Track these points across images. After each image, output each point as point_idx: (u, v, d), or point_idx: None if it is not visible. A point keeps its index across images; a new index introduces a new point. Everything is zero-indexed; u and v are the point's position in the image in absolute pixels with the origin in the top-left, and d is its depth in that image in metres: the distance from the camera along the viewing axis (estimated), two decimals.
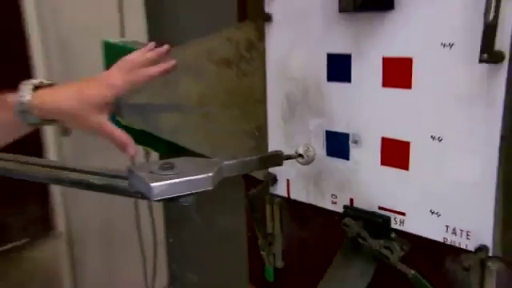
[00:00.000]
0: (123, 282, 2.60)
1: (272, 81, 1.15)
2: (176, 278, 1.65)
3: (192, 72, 1.28)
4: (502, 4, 0.74)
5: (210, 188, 0.86)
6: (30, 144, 1.96)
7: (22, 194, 2.34)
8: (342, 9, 0.92)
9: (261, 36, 1.13)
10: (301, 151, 1.00)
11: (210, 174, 0.83)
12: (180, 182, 0.82)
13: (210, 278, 1.53)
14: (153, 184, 0.79)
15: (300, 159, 1.00)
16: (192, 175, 0.83)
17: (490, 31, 0.75)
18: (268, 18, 1.10)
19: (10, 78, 1.90)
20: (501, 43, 0.76)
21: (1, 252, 2.28)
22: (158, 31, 1.57)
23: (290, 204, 1.18)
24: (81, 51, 1.83)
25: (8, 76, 2.17)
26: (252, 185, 1.21)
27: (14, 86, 1.70)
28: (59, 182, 1.17)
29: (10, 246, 2.30)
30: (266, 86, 1.17)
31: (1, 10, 2.06)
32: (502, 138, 0.80)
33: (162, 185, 0.81)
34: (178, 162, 0.90)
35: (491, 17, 0.73)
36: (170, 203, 1.12)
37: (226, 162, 0.91)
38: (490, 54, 0.75)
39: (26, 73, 2.25)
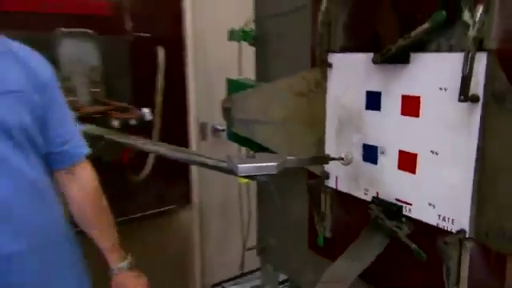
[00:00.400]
0: (231, 241, 2.71)
1: (330, 108, 1.20)
2: (261, 240, 1.69)
3: (279, 99, 1.30)
4: (476, 62, 0.79)
5: (274, 172, 1.01)
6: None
7: (175, 175, 2.51)
8: (375, 62, 0.99)
9: (324, 77, 1.18)
10: (342, 156, 1.10)
11: (275, 163, 1.00)
12: (255, 165, 1.00)
13: (284, 241, 1.56)
14: (239, 165, 0.98)
15: (341, 161, 1.10)
16: (264, 162, 1.00)
17: (465, 81, 0.80)
18: (329, 65, 1.16)
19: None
20: (476, 89, 0.81)
21: (158, 212, 2.47)
22: (263, 71, 1.59)
23: (337, 193, 1.21)
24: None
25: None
26: (312, 178, 1.27)
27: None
28: (191, 162, 1.37)
29: (163, 209, 2.50)
30: (325, 111, 1.21)
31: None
32: (477, 156, 0.84)
33: (244, 166, 0.99)
34: (259, 155, 1.07)
35: (467, 71, 0.79)
36: (251, 179, 1.27)
37: (289, 158, 1.05)
38: (465, 96, 0.80)
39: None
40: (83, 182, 1.42)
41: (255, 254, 1.75)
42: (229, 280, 2.75)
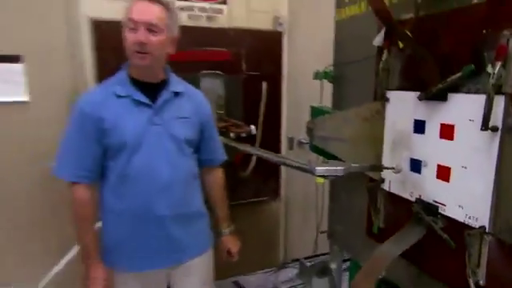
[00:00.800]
0: (308, 227, 2.65)
1: (387, 131, 1.20)
2: (331, 226, 1.66)
3: (349, 122, 1.32)
4: (496, 102, 0.81)
5: (342, 174, 1.07)
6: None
7: (268, 175, 2.55)
8: (420, 99, 1.02)
9: (383, 108, 1.19)
10: (394, 166, 1.13)
11: (342, 168, 1.07)
12: (328, 168, 1.08)
13: (348, 228, 1.52)
14: (317, 167, 1.07)
15: (393, 170, 1.13)
16: (334, 166, 1.09)
17: (486, 116, 0.82)
18: (387, 100, 1.16)
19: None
20: (496, 122, 0.82)
21: (255, 201, 2.52)
22: (338, 101, 1.59)
23: (389, 194, 1.20)
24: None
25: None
26: (371, 182, 1.27)
27: None
28: (283, 164, 1.42)
29: (259, 199, 2.55)
30: (383, 133, 1.21)
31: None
32: (495, 171, 0.85)
33: (320, 168, 1.08)
34: (331, 161, 1.16)
35: (487, 109, 0.81)
36: (325, 178, 1.31)
37: (353, 165, 1.11)
38: (486, 127, 0.82)
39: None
40: (216, 175, 1.54)
41: (326, 238, 1.75)
42: (305, 258, 2.75)
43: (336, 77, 1.60)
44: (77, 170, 1.24)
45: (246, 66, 2.33)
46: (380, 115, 1.21)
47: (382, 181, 1.22)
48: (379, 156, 1.23)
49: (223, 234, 1.56)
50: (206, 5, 2.26)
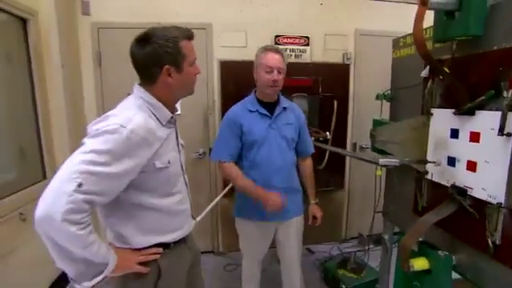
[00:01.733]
0: (366, 212, 2.40)
1: (431, 136, 1.21)
2: (386, 206, 1.63)
3: (402, 130, 1.34)
4: (509, 116, 0.87)
5: (397, 165, 1.17)
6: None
7: (335, 170, 2.60)
8: (455, 114, 1.07)
9: (428, 120, 1.20)
10: (435, 161, 1.17)
11: (397, 160, 1.18)
12: (387, 160, 1.19)
13: (399, 207, 1.48)
14: (380, 159, 1.18)
15: (435, 164, 1.17)
16: (392, 159, 1.20)
17: (501, 126, 0.89)
18: (431, 114, 1.19)
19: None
20: (509, 129, 0.88)
21: (325, 190, 2.59)
22: (394, 115, 1.57)
23: (431, 182, 1.21)
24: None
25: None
26: (418, 173, 1.28)
27: None
28: (355, 157, 1.53)
29: (327, 189, 2.61)
30: (428, 138, 1.22)
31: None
32: (509, 165, 0.89)
33: (382, 160, 1.18)
34: (389, 156, 1.24)
35: (502, 121, 0.88)
36: (385, 167, 1.39)
37: (406, 159, 1.19)
38: (502, 133, 0.89)
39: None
40: (307, 163, 1.71)
41: (381, 222, 1.73)
42: (361, 236, 2.75)
43: (392, 97, 1.64)
44: (225, 154, 1.53)
45: (322, 89, 2.51)
46: (425, 125, 1.23)
47: (426, 172, 1.24)
48: (423, 154, 1.25)
49: (311, 203, 1.71)
50: (295, 47, 2.54)
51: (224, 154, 1.53)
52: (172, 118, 0.95)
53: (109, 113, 0.83)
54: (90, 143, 0.76)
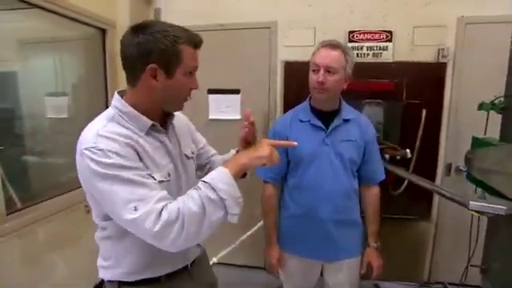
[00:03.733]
0: (457, 254, 2.04)
1: None
2: (486, 261, 1.29)
3: None
4: None
5: (503, 213, 0.84)
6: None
7: (421, 196, 2.19)
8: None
9: None
10: None
11: (504, 207, 0.83)
12: (484, 205, 0.86)
13: (508, 268, 1.15)
14: (472, 202, 0.88)
15: None
16: (494, 204, 0.85)
17: None
18: None
19: None
20: None
21: (405, 218, 2.24)
22: (507, 133, 1.27)
23: None
24: None
25: None
26: None
27: None
28: (433, 190, 1.19)
29: (407, 217, 2.26)
30: None
31: None
32: None
33: (475, 203, 0.88)
34: (491, 197, 0.91)
35: None
36: (481, 214, 1.03)
37: None
38: None
39: None
40: (372, 193, 1.38)
41: (476, 271, 1.38)
42: (450, 283, 2.23)
43: (507, 108, 1.27)
44: (269, 173, 1.34)
45: (407, 94, 2.10)
46: None
47: None
48: None
49: (369, 246, 1.41)
50: (373, 44, 2.18)
51: (266, 173, 1.35)
52: (154, 125, 0.82)
53: (82, 134, 0.78)
54: (91, 180, 0.73)
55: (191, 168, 0.95)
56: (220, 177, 0.72)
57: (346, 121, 1.28)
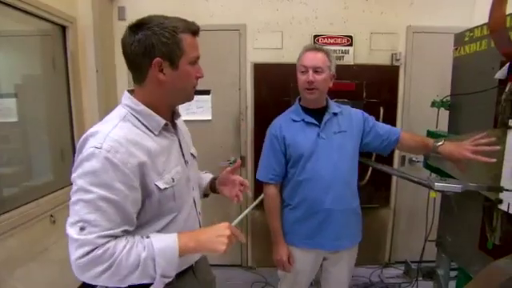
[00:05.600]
0: (413, 235, 2.20)
1: (508, 154, 1.02)
2: (440, 236, 1.47)
3: None
4: None
5: (459, 191, 0.97)
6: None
7: (380, 185, 2.38)
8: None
9: (504, 135, 1.03)
10: None
11: (460, 185, 0.97)
12: (447, 185, 0.99)
13: (458, 240, 1.33)
14: (436, 183, 0.99)
15: None
16: (453, 184, 0.98)
17: None
18: (510, 127, 1.00)
19: None
20: None
21: (367, 207, 2.10)
22: (454, 127, 1.43)
23: (507, 214, 1.03)
24: None
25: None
26: (487, 201, 1.10)
27: None
28: (402, 177, 1.31)
29: (370, 205, 2.35)
30: (504, 157, 1.02)
31: None
32: None
33: (439, 184, 0.99)
34: (449, 179, 1.05)
35: None
36: (441, 193, 1.17)
37: (470, 184, 1.00)
38: None
39: None
40: (405, 137, 1.37)
41: (431, 247, 1.55)
42: (412, 262, 2.45)
43: (452, 105, 1.44)
44: (269, 174, 1.37)
45: (366, 94, 2.28)
46: (500, 141, 1.04)
47: (500, 202, 1.04)
48: (495, 178, 1.05)
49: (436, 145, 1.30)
50: (336, 48, 2.32)
51: (267, 175, 1.38)
52: (167, 125, 0.81)
53: (90, 130, 0.73)
54: (75, 181, 0.69)
55: (196, 168, 0.96)
56: (165, 251, 0.70)
57: (335, 114, 1.34)
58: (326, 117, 1.33)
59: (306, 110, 1.36)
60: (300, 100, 1.40)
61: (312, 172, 1.30)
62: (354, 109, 1.43)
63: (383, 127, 1.41)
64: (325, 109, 1.36)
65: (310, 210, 1.32)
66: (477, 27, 1.25)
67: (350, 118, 1.37)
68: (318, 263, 1.42)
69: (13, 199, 1.60)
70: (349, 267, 1.45)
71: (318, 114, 1.34)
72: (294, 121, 1.35)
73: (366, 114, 1.42)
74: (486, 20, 0.96)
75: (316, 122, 1.33)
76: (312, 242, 1.34)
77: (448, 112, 1.49)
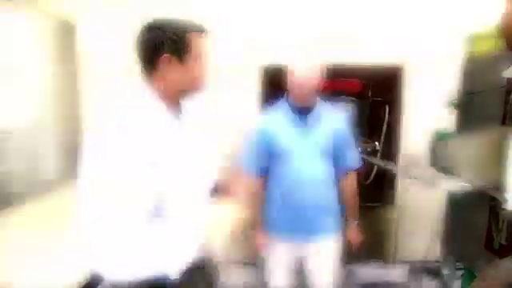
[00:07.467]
0: (418, 234, 2.20)
1: None
2: (446, 236, 1.45)
3: (473, 145, 1.15)
4: None
5: (463, 191, 0.96)
6: None
7: (385, 184, 2.35)
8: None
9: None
10: None
11: (464, 184, 0.94)
12: (450, 185, 0.97)
13: (465, 239, 1.31)
14: (441, 182, 0.97)
15: None
16: (456, 183, 0.96)
17: None
18: None
19: None
20: None
21: (371, 206, 2.35)
22: (462, 124, 1.43)
23: None
24: None
25: None
26: (493, 200, 1.09)
27: None
28: (408, 177, 1.30)
29: (374, 204, 2.37)
30: (509, 156, 1.01)
31: None
32: None
33: (445, 184, 0.97)
34: (454, 178, 1.03)
35: None
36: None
37: (476, 183, 0.98)
38: None
39: None
40: (348, 179, 1.47)
41: (435, 246, 1.56)
42: (417, 261, 2.43)
43: (460, 105, 1.42)
44: (253, 167, 1.42)
45: (372, 93, 2.26)
46: (507, 140, 1.02)
47: (506, 201, 1.01)
48: (501, 177, 1.03)
49: (352, 224, 1.52)
50: (341, 46, 2.28)
51: (251, 167, 1.42)
52: (175, 115, 0.87)
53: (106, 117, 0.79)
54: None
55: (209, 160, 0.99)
56: None
57: (321, 114, 1.37)
58: (311, 116, 1.36)
59: (293, 108, 1.37)
60: (288, 96, 1.40)
61: (292, 169, 1.34)
62: (342, 115, 1.45)
63: (349, 152, 1.44)
64: (312, 108, 1.37)
65: (288, 204, 1.37)
66: (486, 27, 1.22)
67: (332, 119, 1.40)
68: (293, 254, 1.45)
69: None
70: (328, 265, 1.46)
71: (303, 112, 1.36)
72: (279, 117, 1.37)
73: (349, 127, 1.44)
74: (494, 20, 0.94)
75: (300, 121, 1.35)
76: (287, 235, 1.40)
77: (455, 111, 1.47)
